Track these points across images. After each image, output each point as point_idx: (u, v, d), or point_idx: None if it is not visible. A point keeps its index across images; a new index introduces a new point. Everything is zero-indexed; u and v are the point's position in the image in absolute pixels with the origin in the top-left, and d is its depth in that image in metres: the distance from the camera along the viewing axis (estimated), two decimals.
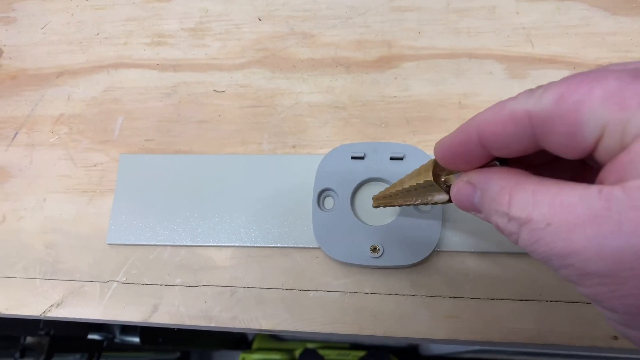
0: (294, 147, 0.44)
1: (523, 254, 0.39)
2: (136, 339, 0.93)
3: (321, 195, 0.42)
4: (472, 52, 0.46)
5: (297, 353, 1.21)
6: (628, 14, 0.45)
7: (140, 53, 0.49)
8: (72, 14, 0.52)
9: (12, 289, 0.43)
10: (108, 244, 0.43)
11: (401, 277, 0.40)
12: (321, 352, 1.18)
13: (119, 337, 0.94)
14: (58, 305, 0.42)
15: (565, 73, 0.43)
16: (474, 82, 0.45)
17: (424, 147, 0.43)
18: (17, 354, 0.71)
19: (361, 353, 1.16)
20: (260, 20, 0.49)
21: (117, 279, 0.42)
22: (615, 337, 0.37)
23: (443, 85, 0.45)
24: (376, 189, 0.42)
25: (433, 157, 0.41)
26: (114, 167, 0.45)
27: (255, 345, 1.26)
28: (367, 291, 0.40)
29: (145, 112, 0.47)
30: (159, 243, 0.42)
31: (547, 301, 0.38)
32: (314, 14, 0.49)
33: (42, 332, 0.75)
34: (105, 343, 0.92)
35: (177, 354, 1.28)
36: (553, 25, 0.46)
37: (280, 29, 0.48)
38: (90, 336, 0.89)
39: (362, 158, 0.42)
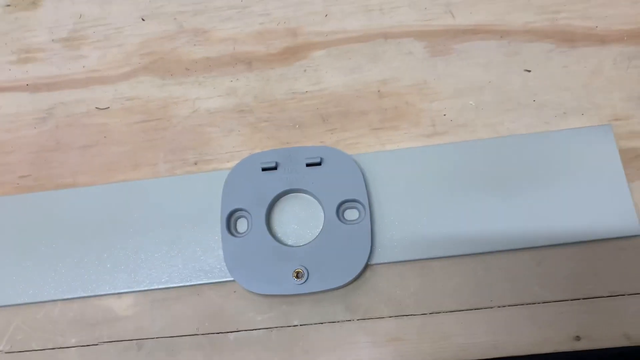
0: (195, 164, 0.38)
1: (466, 256, 0.34)
2: None
3: (231, 217, 0.36)
4: (387, 31, 0.40)
5: None
6: None
7: (5, 73, 0.42)
8: None
9: None
10: None
11: (334, 300, 0.34)
12: None
13: None
14: None
15: (492, 44, 0.38)
16: (393, 66, 0.39)
17: (344, 147, 0.37)
18: None
19: None
20: (143, 20, 0.42)
21: (0, 348, 0.35)
22: (578, 338, 0.32)
23: (359, 73, 0.39)
24: (296, 202, 0.36)
25: (352, 156, 0.36)
26: None
27: None
28: (296, 323, 0.34)
29: (16, 143, 0.40)
30: (46, 299, 0.35)
31: (499, 307, 0.33)
32: (205, 6, 0.42)
33: None
34: None
35: None
36: None
37: (167, 28, 0.42)
38: None
39: (275, 168, 0.36)
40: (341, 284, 0.33)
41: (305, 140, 0.38)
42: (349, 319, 0.34)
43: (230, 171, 0.36)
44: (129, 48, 0.41)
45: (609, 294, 0.33)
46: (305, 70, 0.40)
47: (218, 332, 0.34)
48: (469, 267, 0.34)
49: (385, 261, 0.34)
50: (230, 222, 0.35)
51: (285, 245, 0.35)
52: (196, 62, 0.41)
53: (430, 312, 0.34)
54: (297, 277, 0.33)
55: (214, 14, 0.42)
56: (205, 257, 0.35)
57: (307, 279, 0.33)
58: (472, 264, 0.34)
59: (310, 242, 0.34)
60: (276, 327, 0.34)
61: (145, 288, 0.35)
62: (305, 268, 0.33)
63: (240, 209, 0.35)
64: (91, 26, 0.42)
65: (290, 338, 0.34)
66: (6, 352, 0.35)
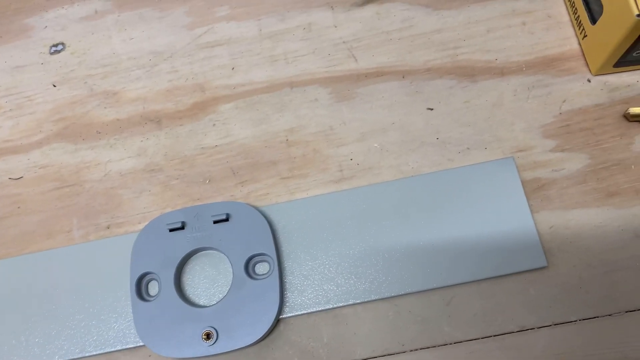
0: (108, 227, 0.38)
1: (377, 301, 0.34)
2: None
3: (141, 281, 0.36)
4: (292, 80, 0.41)
5: None
6: (451, 7, 0.42)
7: None
8: None
9: None
10: None
11: (247, 357, 0.34)
12: None
13: None
14: None
15: (394, 85, 0.39)
16: (300, 114, 0.40)
17: (255, 199, 0.38)
18: None
19: None
20: (54, 86, 0.42)
21: None
22: None
23: (266, 124, 0.40)
24: (205, 260, 0.36)
25: (259, 211, 0.36)
26: None
27: None
28: None
29: None
30: None
31: (411, 351, 0.33)
32: (115, 67, 0.42)
33: None
34: None
35: None
36: (375, 33, 0.41)
37: (78, 92, 0.42)
38: None
39: (182, 228, 0.36)
40: (250, 342, 0.33)
41: (216, 195, 0.38)
42: None
43: (138, 235, 0.36)
44: (40, 115, 0.42)
45: (519, 329, 0.33)
46: (214, 125, 0.40)
47: None
48: (380, 312, 0.34)
49: (297, 313, 0.34)
50: (140, 286, 0.35)
51: (196, 306, 0.35)
52: (107, 124, 0.41)
53: None
54: (206, 338, 0.33)
55: (123, 74, 0.42)
56: (118, 324, 0.35)
57: (216, 339, 0.33)
58: (383, 308, 0.34)
59: (219, 301, 0.34)
60: None
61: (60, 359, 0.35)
62: (215, 328, 0.33)
63: (150, 272, 0.35)
64: (3, 96, 0.43)
65: None
66: None
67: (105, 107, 0.41)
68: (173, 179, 0.39)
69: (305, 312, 0.34)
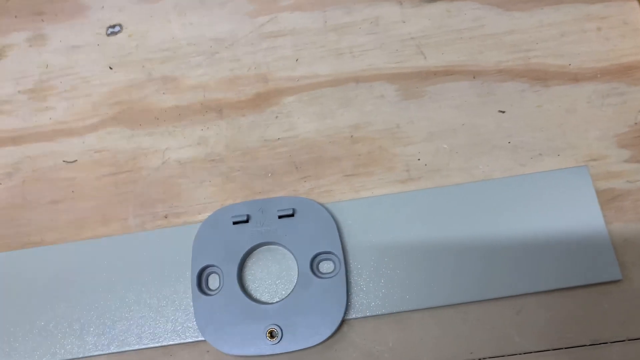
0: (166, 217, 0.37)
1: (444, 307, 0.33)
2: None
3: (202, 274, 0.35)
4: (358, 74, 0.39)
5: None
6: (523, 9, 0.40)
7: None
8: None
9: None
10: None
11: (310, 358, 0.33)
12: None
13: None
14: None
15: (464, 85, 0.38)
16: (365, 110, 0.39)
17: (318, 195, 0.37)
18: None
19: None
20: (111, 68, 0.41)
21: None
22: None
23: (331, 119, 0.39)
24: (269, 255, 0.35)
25: (326, 205, 0.35)
26: None
27: None
28: None
29: None
30: None
31: (480, 359, 0.32)
32: (174, 53, 0.41)
33: None
34: None
35: None
36: (445, 31, 0.40)
37: (136, 76, 0.41)
38: None
39: (246, 221, 0.35)
40: (316, 342, 0.32)
41: (278, 189, 0.37)
42: None
43: (200, 226, 0.35)
44: (96, 98, 0.41)
45: (591, 343, 0.32)
46: (277, 117, 0.39)
47: None
48: (447, 319, 0.33)
49: (362, 315, 0.33)
50: (201, 279, 0.34)
51: (259, 302, 0.34)
52: (165, 111, 0.40)
53: None
54: (270, 336, 0.32)
55: (183, 60, 0.41)
56: (176, 317, 0.34)
57: (281, 338, 0.32)
58: (450, 315, 0.33)
59: (283, 298, 0.33)
60: None
61: (116, 350, 0.34)
62: (279, 327, 0.32)
63: (212, 265, 0.35)
64: (58, 76, 0.41)
65: None
66: None
67: (163, 93, 0.40)
68: (235, 170, 0.38)
69: (369, 315, 0.33)
